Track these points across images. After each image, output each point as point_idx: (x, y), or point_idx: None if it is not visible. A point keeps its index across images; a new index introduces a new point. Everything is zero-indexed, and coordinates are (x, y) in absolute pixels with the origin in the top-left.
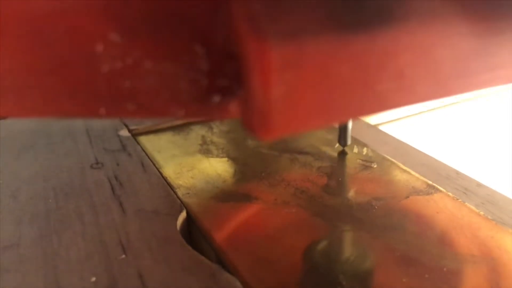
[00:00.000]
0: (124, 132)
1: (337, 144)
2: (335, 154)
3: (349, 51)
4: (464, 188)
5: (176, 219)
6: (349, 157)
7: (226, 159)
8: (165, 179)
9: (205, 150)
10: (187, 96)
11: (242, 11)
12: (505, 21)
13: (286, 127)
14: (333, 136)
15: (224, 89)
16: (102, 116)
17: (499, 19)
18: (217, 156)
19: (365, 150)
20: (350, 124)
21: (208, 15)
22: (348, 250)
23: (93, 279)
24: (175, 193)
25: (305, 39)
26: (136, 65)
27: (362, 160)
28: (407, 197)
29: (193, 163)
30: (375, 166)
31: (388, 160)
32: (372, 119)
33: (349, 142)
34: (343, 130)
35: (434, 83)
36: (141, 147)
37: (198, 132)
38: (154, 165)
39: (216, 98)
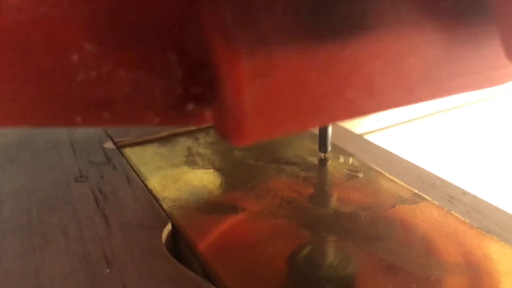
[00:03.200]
0: (109, 145)
1: (322, 154)
2: (321, 164)
3: (318, 59)
4: (450, 196)
5: (161, 232)
6: (335, 166)
7: (212, 170)
8: (150, 191)
9: (191, 161)
10: (161, 103)
11: (213, 20)
12: (471, 29)
13: (259, 133)
14: None
15: (198, 97)
16: (79, 125)
17: (465, 27)
18: (203, 167)
19: (351, 159)
20: (330, 131)
21: (180, 24)
22: (334, 259)
23: None
24: (160, 205)
25: (275, 48)
26: (111, 74)
27: (348, 169)
28: (393, 206)
29: (178, 175)
30: (361, 175)
31: (374, 169)
32: (357, 128)
33: (329, 148)
34: (323, 136)
35: (403, 90)
36: (126, 159)
37: (184, 143)
38: (139, 177)
39: (191, 106)
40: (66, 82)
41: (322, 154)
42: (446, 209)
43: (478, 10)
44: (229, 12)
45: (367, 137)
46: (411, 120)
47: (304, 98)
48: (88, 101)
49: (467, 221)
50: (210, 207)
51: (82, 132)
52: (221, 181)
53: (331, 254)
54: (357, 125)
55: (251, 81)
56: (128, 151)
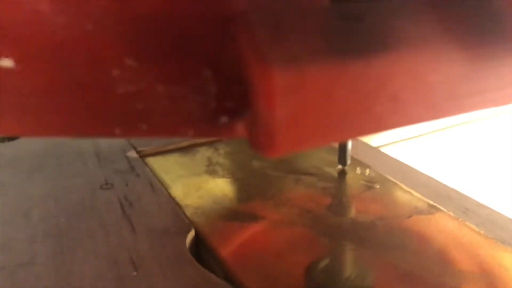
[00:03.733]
0: (132, 154)
1: (339, 165)
2: (339, 175)
3: (346, 75)
4: (465, 208)
5: (185, 238)
6: (353, 178)
7: (231, 179)
8: (173, 199)
9: (211, 170)
10: (196, 117)
11: (247, 39)
12: (492, 49)
13: (290, 146)
14: (336, 157)
15: (232, 111)
16: (117, 136)
17: (486, 47)
18: (223, 176)
19: (367, 171)
20: (349, 145)
21: (216, 42)
22: (352, 267)
23: None
24: (184, 212)
25: (306, 65)
26: (149, 88)
27: (365, 181)
28: (409, 216)
29: (200, 184)
30: (378, 186)
31: (390, 181)
32: (374, 141)
33: (348, 162)
34: (342, 150)
35: (427, 106)
36: (149, 168)
37: (204, 153)
38: (162, 185)
39: (224, 119)
40: (107, 94)
41: (340, 166)
42: (461, 220)
43: (498, 30)
44: (262, 33)
45: (383, 149)
46: (426, 133)
47: (333, 113)
48: (127, 113)
49: (482, 232)
50: (231, 215)
51: (106, 142)
52: (241, 190)
53: (349, 262)
54: (373, 138)
55: (283, 97)
56: (150, 160)
